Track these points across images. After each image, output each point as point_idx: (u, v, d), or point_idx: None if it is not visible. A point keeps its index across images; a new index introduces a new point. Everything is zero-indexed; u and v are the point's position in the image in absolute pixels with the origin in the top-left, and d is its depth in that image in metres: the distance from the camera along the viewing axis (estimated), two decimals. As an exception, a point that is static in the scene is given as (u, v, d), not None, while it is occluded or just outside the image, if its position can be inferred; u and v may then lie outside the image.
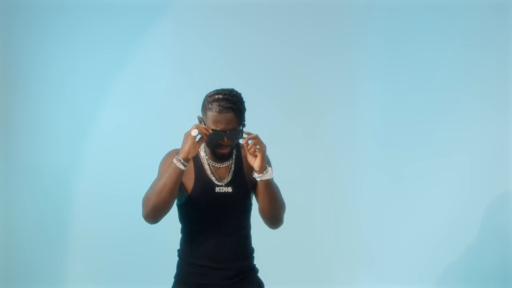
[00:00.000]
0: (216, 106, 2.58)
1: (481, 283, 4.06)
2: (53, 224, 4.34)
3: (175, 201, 2.77)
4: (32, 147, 4.36)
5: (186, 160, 2.58)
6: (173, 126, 4.20)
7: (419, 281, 4.12)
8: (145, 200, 2.61)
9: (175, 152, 2.66)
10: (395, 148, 4.28)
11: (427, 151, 4.22)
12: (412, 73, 4.24)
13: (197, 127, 2.56)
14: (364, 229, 4.26)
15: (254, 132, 2.64)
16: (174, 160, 2.58)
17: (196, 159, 2.74)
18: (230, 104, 2.58)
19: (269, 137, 3.82)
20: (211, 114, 2.59)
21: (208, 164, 2.75)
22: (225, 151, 2.68)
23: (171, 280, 2.83)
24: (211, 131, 2.58)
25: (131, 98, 4.38)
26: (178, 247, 2.83)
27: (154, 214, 2.58)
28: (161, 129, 4.32)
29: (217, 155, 2.70)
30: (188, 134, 2.58)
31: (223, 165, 2.77)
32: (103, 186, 4.34)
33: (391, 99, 4.28)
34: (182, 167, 2.57)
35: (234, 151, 2.80)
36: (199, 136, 2.59)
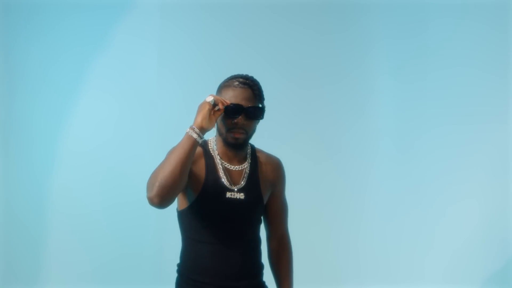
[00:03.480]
0: (234, 82, 2.47)
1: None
2: (32, 225, 4.17)
3: (177, 206, 2.56)
4: (11, 145, 4.19)
5: (201, 130, 2.33)
6: (162, 123, 4.15)
7: (430, 284, 4.05)
8: (151, 179, 2.29)
9: None
10: (409, 149, 4.17)
11: (443, 152, 4.10)
12: (427, 73, 4.14)
13: (212, 96, 2.39)
14: (377, 232, 4.17)
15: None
16: (188, 129, 2.34)
17: (208, 158, 2.52)
18: (249, 81, 2.47)
19: (278, 138, 3.87)
20: (228, 90, 2.46)
21: (221, 165, 2.52)
22: (239, 135, 2.47)
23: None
24: (229, 102, 2.40)
25: (115, 95, 4.21)
26: (177, 261, 2.59)
27: (161, 192, 2.23)
28: (148, 127, 4.20)
29: (229, 142, 2.48)
30: (203, 102, 2.37)
31: (237, 168, 2.54)
32: (87, 185, 4.16)
33: (405, 99, 4.19)
34: (196, 136, 2.32)
35: (249, 154, 2.59)
36: (216, 108, 2.39)
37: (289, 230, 2.74)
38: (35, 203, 4.16)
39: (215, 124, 2.46)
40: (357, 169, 4.18)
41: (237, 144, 2.47)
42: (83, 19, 4.16)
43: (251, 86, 2.46)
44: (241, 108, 2.41)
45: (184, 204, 2.50)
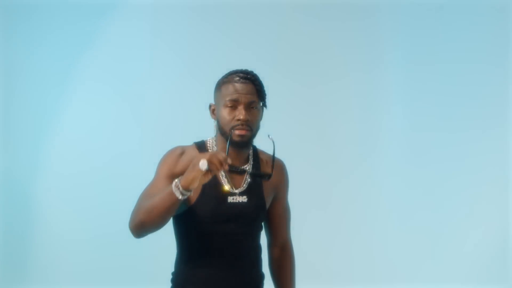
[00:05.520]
0: (234, 77, 2.38)
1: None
2: (18, 231, 4.12)
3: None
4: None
5: (187, 189, 2.16)
6: (154, 123, 4.12)
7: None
8: (133, 212, 2.27)
9: (179, 151, 2.38)
10: (419, 152, 4.18)
11: (454, 154, 4.11)
12: (438, 71, 4.16)
13: (210, 158, 2.11)
14: (384, 238, 4.17)
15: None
16: (173, 185, 2.17)
17: None
18: (250, 76, 2.38)
19: (281, 139, 3.69)
20: (228, 86, 2.36)
21: None
22: (245, 132, 2.34)
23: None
24: (227, 166, 2.14)
25: (107, 94, 4.17)
26: (172, 269, 2.49)
27: (138, 230, 2.25)
28: (142, 128, 4.16)
29: (234, 141, 2.34)
30: (195, 164, 2.13)
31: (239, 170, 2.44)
32: (76, 188, 4.11)
33: (414, 99, 4.20)
34: (179, 196, 2.16)
35: (251, 155, 2.50)
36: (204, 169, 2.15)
37: (291, 236, 2.64)
38: (22, 207, 4.12)
39: (216, 123, 2.38)
40: (363, 172, 4.16)
41: (243, 142, 2.35)
42: (73, 16, 4.12)
43: (252, 81, 2.36)
44: (243, 171, 2.34)
45: (180, 210, 2.37)
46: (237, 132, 2.32)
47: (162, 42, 4.17)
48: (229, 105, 2.32)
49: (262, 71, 2.52)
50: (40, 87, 4.11)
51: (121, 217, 3.91)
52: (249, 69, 2.45)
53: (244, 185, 2.40)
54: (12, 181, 4.08)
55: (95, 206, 4.07)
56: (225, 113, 2.32)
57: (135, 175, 3.45)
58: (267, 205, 2.48)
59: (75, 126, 4.13)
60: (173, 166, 2.32)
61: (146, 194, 2.29)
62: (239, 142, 2.34)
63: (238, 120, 2.31)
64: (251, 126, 2.33)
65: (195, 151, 2.38)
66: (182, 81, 4.10)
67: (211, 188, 2.35)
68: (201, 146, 2.42)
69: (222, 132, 2.36)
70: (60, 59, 4.10)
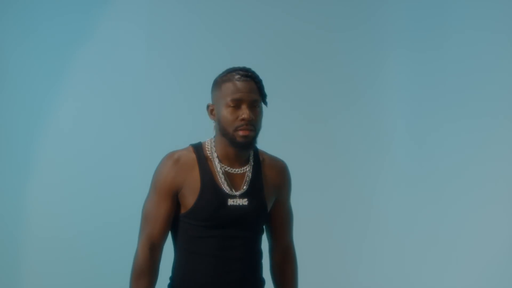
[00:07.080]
0: (234, 75, 2.33)
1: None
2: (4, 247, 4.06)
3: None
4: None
5: None
6: (150, 123, 4.09)
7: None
8: (135, 257, 2.42)
9: (174, 158, 2.35)
10: (424, 153, 4.17)
11: (464, 157, 4.08)
12: (447, 63, 4.13)
13: None
14: (390, 240, 4.16)
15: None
16: None
17: (204, 165, 2.37)
18: (250, 73, 2.34)
19: (283, 139, 3.85)
20: (228, 85, 2.32)
21: (221, 169, 2.37)
22: (249, 133, 2.31)
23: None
24: None
25: (98, 89, 4.12)
26: (169, 273, 2.46)
27: None
28: (135, 126, 4.10)
29: (238, 142, 2.32)
30: None
31: (239, 172, 2.39)
32: (68, 195, 4.05)
33: (419, 97, 4.18)
34: None
35: (252, 156, 2.45)
36: None
37: (294, 240, 2.59)
38: (8, 219, 4.05)
39: (216, 124, 2.34)
40: (367, 172, 4.14)
41: (247, 143, 2.31)
42: (66, 12, 4.07)
43: (253, 78, 2.33)
44: None
45: (179, 211, 2.36)
46: (241, 133, 2.29)
47: (158, 40, 4.13)
48: (232, 105, 2.28)
49: (261, 69, 2.47)
50: (32, 85, 4.05)
51: (117, 220, 4.03)
52: (248, 62, 2.42)
53: (245, 187, 2.36)
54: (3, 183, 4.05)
55: (91, 209, 4.02)
56: (227, 113, 2.28)
57: (131, 176, 3.43)
58: (269, 208, 2.43)
59: (68, 126, 4.08)
60: (168, 179, 2.33)
61: (146, 218, 2.34)
62: (244, 143, 2.31)
63: (242, 120, 2.27)
64: (255, 126, 2.31)
65: (191, 154, 2.35)
66: (179, 80, 4.07)
67: (210, 190, 2.31)
68: (198, 148, 2.39)
69: (224, 133, 2.32)
70: (53, 55, 4.05)
